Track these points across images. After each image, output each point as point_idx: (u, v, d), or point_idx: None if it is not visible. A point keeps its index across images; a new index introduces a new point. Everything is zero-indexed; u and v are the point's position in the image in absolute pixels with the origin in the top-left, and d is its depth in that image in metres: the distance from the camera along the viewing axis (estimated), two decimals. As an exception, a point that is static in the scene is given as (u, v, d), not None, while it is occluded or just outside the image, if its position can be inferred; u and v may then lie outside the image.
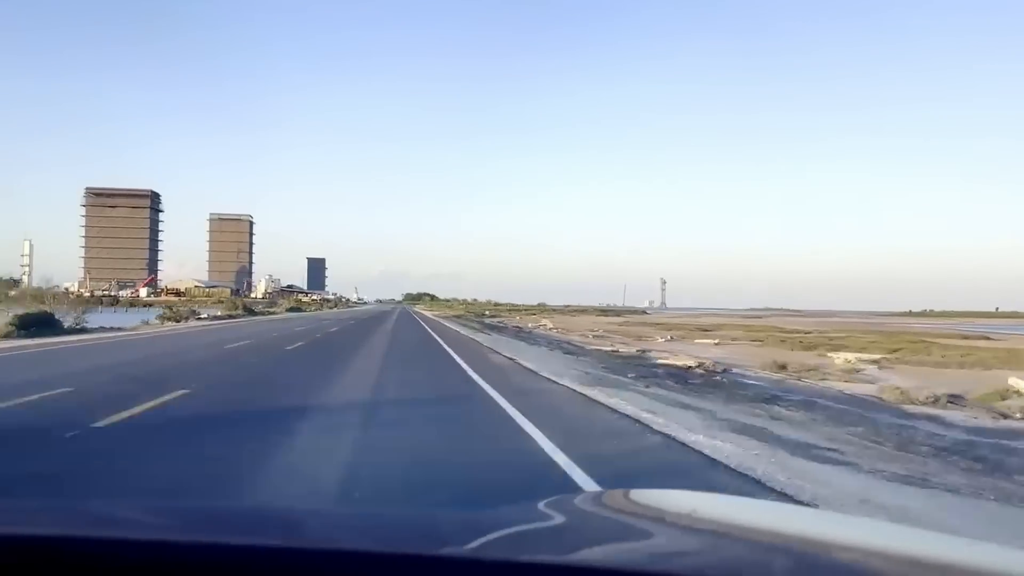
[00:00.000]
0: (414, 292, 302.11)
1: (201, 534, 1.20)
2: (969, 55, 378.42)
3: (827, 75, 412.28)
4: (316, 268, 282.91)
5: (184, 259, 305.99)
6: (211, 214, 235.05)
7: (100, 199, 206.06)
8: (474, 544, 1.11)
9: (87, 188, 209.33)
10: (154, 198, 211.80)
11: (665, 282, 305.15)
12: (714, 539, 1.29)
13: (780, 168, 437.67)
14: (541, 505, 1.47)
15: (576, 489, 5.02)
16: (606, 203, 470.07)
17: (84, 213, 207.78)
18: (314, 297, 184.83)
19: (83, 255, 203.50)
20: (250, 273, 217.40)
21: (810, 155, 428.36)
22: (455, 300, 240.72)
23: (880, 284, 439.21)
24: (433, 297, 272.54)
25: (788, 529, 1.35)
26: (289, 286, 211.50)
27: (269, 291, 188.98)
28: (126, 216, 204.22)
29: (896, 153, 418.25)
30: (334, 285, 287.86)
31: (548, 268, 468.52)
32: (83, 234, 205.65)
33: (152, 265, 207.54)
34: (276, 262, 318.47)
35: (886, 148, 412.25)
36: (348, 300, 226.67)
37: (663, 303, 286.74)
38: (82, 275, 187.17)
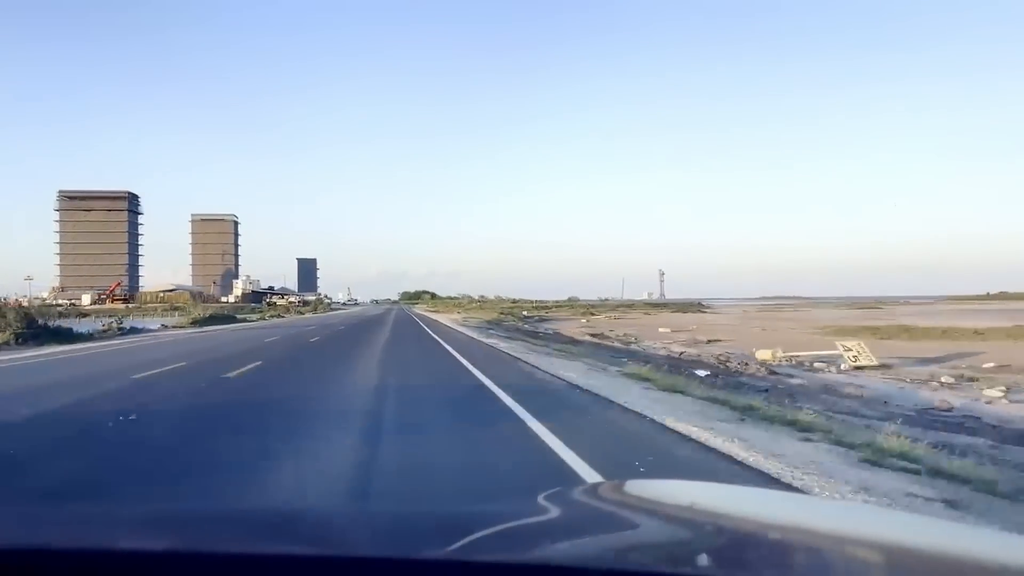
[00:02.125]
0: (412, 291, 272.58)
1: (190, 541, 1.14)
2: None
3: (866, 47, 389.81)
4: (307, 269, 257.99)
5: (179, 263, 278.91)
6: (193, 215, 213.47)
7: (74, 202, 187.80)
8: (474, 542, 1.07)
9: (60, 191, 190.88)
10: (132, 200, 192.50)
11: (664, 273, 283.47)
12: (713, 529, 1.22)
13: (799, 158, 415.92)
14: (540, 499, 1.41)
15: None
16: (602, 195, 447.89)
17: (58, 218, 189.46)
18: (292, 299, 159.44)
19: (58, 262, 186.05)
20: (236, 276, 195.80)
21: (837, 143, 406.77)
22: (466, 296, 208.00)
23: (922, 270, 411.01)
24: (433, 295, 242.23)
25: (788, 518, 1.29)
26: (270, 287, 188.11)
27: (246, 292, 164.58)
28: (102, 220, 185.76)
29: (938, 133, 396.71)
30: (329, 286, 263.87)
31: (546, 263, 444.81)
32: (57, 240, 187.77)
33: (133, 270, 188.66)
34: (270, 264, 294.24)
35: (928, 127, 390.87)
36: (332, 302, 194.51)
37: (662, 295, 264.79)
38: (57, 282, 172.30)
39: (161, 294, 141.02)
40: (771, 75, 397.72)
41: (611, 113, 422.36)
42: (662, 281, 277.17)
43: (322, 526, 1.42)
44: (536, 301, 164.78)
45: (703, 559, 1.03)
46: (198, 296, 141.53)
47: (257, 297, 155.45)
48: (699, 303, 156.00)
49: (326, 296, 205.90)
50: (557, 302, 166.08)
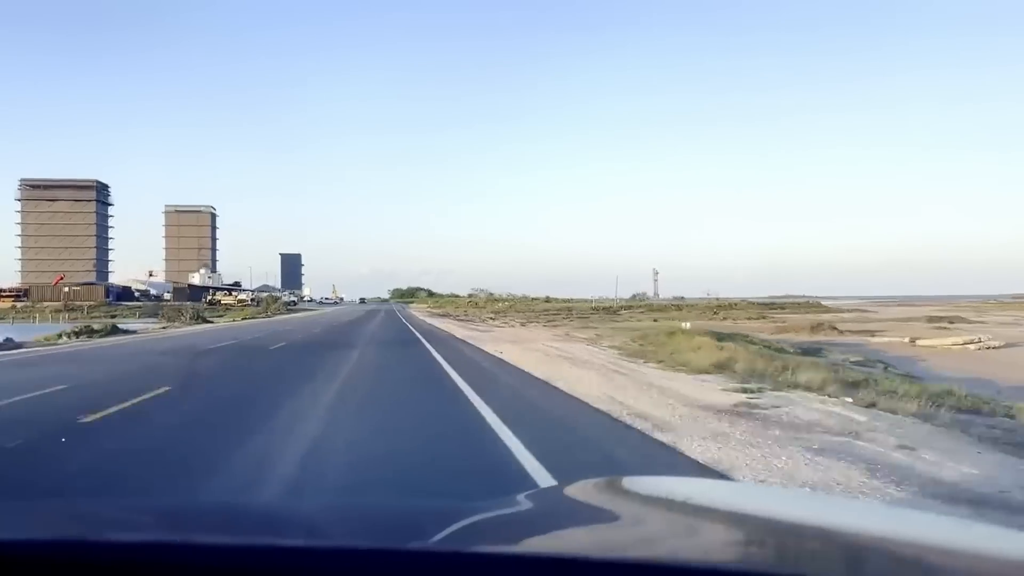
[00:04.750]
0: (404, 287, 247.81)
1: (177, 533, 1.13)
2: None
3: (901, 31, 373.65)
4: (291, 265, 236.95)
5: (155, 258, 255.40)
6: (167, 206, 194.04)
7: (38, 191, 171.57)
8: (463, 534, 1.06)
9: (22, 179, 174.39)
10: (101, 189, 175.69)
11: (658, 272, 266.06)
12: (709, 525, 1.20)
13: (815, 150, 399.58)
14: (532, 494, 1.40)
15: None
16: (596, 190, 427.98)
17: (20, 208, 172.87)
18: (241, 297, 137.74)
19: (20, 256, 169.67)
20: (214, 270, 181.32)
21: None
22: (480, 292, 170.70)
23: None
24: (430, 292, 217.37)
25: (784, 514, 1.26)
26: (236, 283, 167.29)
27: (180, 287, 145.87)
28: (68, 211, 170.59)
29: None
30: (318, 284, 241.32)
31: (543, 261, 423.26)
32: (19, 232, 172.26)
33: (101, 264, 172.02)
34: (257, 261, 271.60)
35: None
36: (295, 300, 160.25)
37: (656, 294, 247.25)
38: (19, 276, 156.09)
39: (66, 289, 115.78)
40: (769, 69, 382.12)
41: (607, 108, 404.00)
42: (656, 280, 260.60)
43: (311, 518, 1.41)
44: (597, 299, 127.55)
45: (696, 551, 1.01)
46: (111, 293, 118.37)
47: (197, 294, 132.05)
48: (817, 302, 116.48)
49: (289, 293, 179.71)
50: (622, 302, 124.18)
